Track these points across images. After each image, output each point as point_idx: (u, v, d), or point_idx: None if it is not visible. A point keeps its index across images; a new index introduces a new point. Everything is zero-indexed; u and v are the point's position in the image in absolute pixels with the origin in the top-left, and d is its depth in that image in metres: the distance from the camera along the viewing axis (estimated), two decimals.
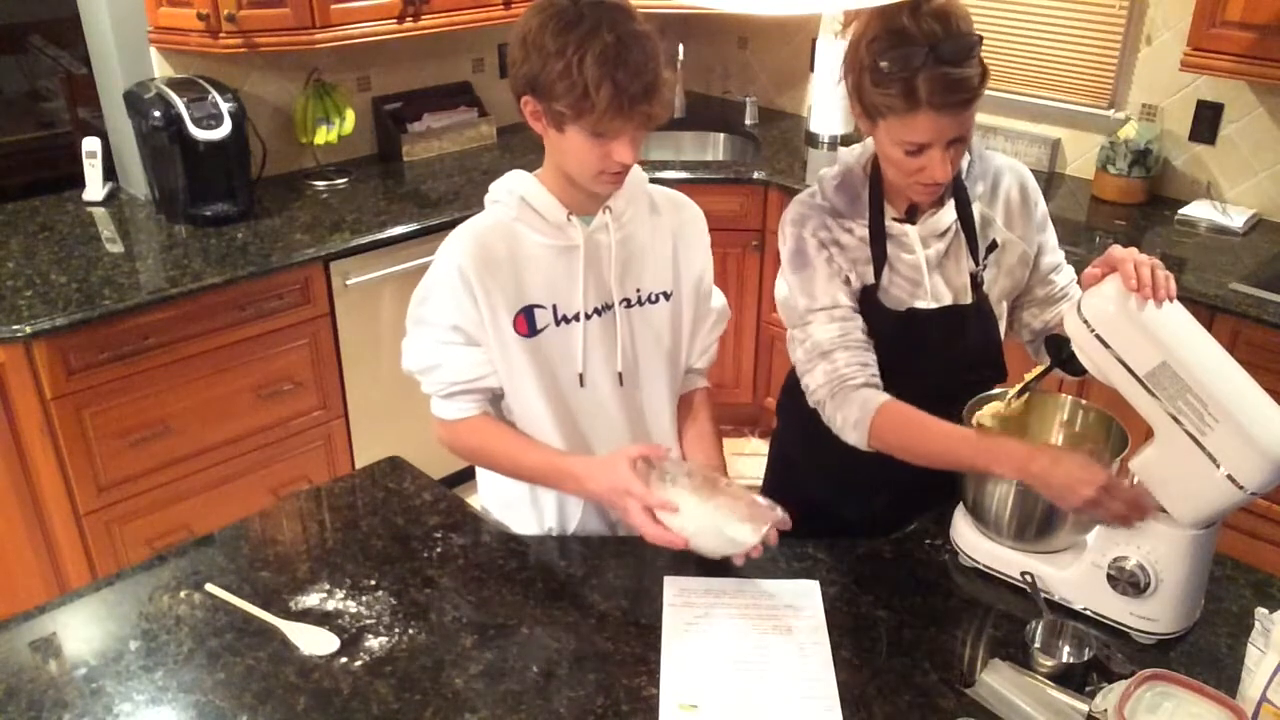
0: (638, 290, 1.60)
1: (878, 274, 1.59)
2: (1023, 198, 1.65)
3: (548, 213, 1.53)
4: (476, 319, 1.52)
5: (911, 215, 1.58)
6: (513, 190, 1.55)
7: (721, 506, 1.41)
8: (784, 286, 1.64)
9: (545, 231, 1.54)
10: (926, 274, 1.59)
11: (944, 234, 1.59)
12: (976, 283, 1.61)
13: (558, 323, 1.55)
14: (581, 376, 1.58)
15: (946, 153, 1.44)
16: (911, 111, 1.40)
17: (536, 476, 1.59)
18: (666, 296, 1.62)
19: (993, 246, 1.61)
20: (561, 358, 1.57)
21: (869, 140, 1.57)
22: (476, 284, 1.50)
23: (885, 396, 1.52)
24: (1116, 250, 1.34)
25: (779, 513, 1.42)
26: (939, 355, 1.63)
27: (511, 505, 1.68)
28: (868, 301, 1.60)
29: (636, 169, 1.56)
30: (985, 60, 1.45)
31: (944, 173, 1.45)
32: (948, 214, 1.59)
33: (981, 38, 1.42)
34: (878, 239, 1.58)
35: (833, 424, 1.56)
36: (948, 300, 1.61)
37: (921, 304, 1.60)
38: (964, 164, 1.59)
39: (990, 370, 1.70)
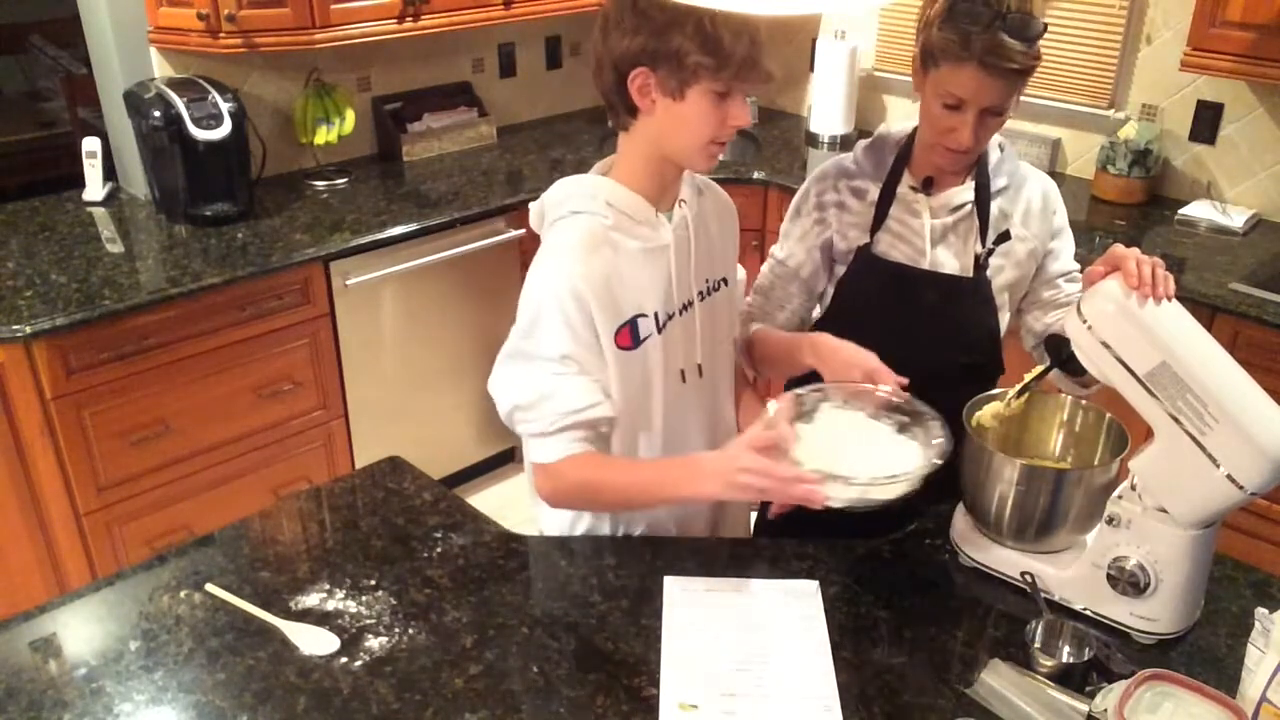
0: (707, 280, 1.58)
1: (875, 231, 1.66)
2: (1044, 204, 1.72)
3: (638, 213, 1.47)
4: (591, 343, 1.44)
5: (926, 187, 1.66)
6: (596, 196, 1.46)
7: (860, 438, 1.39)
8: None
9: (639, 235, 1.47)
10: (929, 242, 1.65)
11: (956, 210, 1.66)
12: (980, 264, 1.63)
13: (660, 328, 1.50)
14: (683, 373, 1.55)
15: (978, 120, 1.52)
16: (961, 62, 1.48)
17: (651, 493, 1.50)
18: (726, 283, 1.62)
19: (1005, 237, 1.65)
20: (662, 361, 1.52)
21: (908, 124, 1.70)
22: (594, 304, 1.42)
23: (760, 327, 1.75)
24: (1118, 249, 1.36)
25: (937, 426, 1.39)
26: (931, 324, 1.66)
27: (580, 519, 1.62)
28: (864, 257, 1.68)
29: None
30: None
31: (969, 139, 1.53)
32: (964, 192, 1.65)
33: (1047, 25, 1.49)
34: (886, 199, 1.66)
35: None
36: (948, 273, 1.67)
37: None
38: (993, 157, 1.65)
39: (985, 358, 1.72)
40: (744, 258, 1.70)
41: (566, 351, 1.43)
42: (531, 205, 1.53)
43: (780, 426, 1.41)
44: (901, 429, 1.43)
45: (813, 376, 1.57)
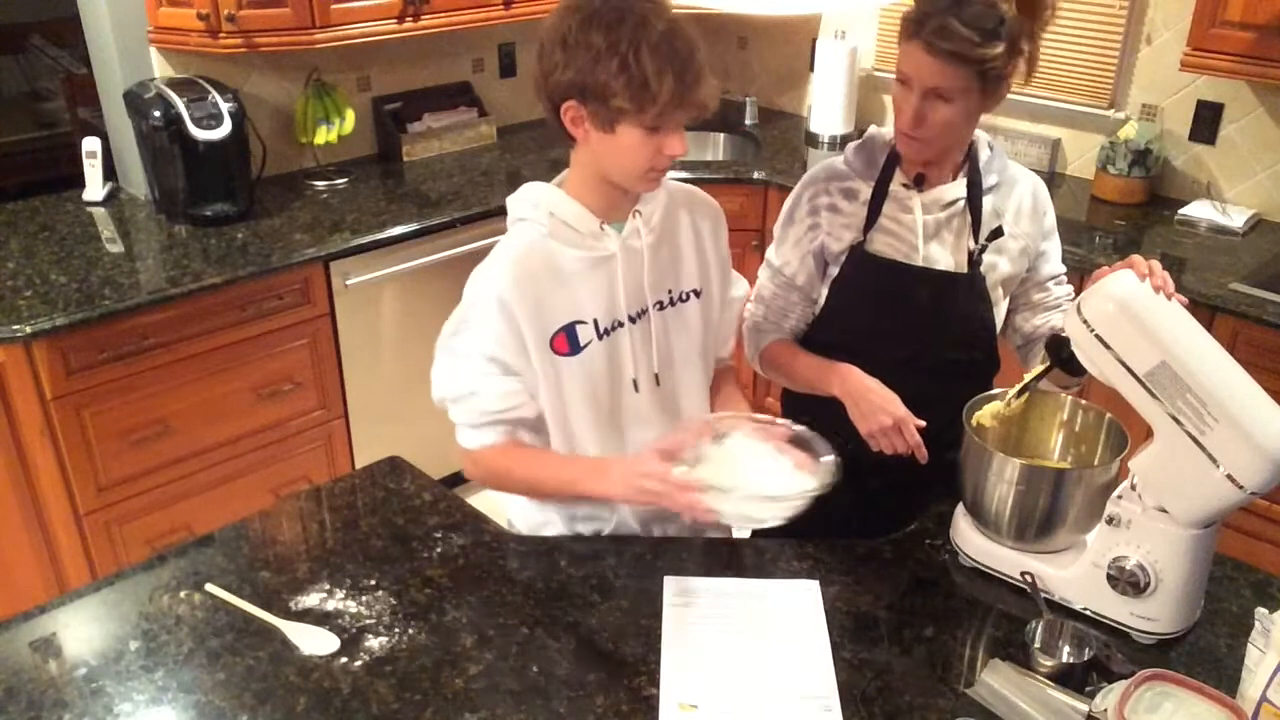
0: (669, 291, 1.59)
1: (869, 229, 1.67)
2: (1034, 204, 1.73)
3: (580, 224, 1.50)
4: (516, 347, 1.48)
5: (918, 184, 1.67)
6: (538, 205, 1.51)
7: (759, 465, 1.42)
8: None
9: (580, 244, 1.50)
10: (921, 238, 1.66)
11: (948, 206, 1.67)
12: (974, 260, 1.64)
13: (600, 336, 1.53)
14: (636, 382, 1.57)
15: (921, 99, 1.54)
16: (910, 38, 1.52)
17: (560, 487, 1.56)
18: (697, 294, 1.62)
19: (997, 233, 1.66)
20: (607, 368, 1.55)
21: None
22: (519, 311, 1.46)
23: (775, 337, 1.80)
24: (1134, 257, 1.38)
25: (827, 457, 1.43)
26: (926, 321, 1.66)
27: (550, 523, 1.67)
28: (857, 256, 1.69)
29: None
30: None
31: (909, 120, 1.56)
32: (955, 189, 1.66)
33: (1004, 20, 1.49)
34: (878, 197, 1.67)
35: (749, 357, 1.86)
36: (941, 269, 1.68)
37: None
38: (983, 155, 1.65)
39: (980, 353, 1.73)
40: (744, 258, 1.72)
41: (490, 353, 1.49)
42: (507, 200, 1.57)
43: (681, 435, 1.47)
44: (799, 464, 1.45)
45: (835, 402, 1.63)
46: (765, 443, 1.48)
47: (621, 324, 1.54)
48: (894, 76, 1.58)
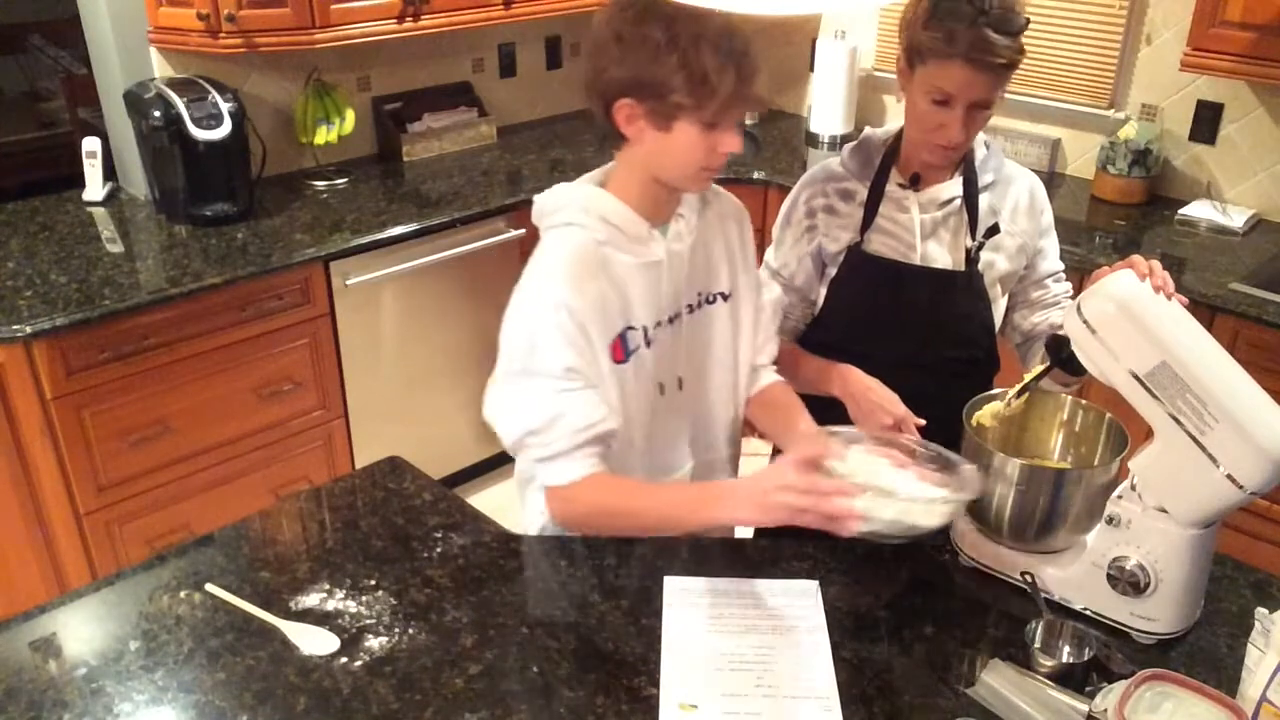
0: (699, 294, 1.57)
1: (865, 229, 1.67)
2: (1032, 202, 1.75)
3: (630, 229, 1.45)
4: (591, 358, 1.42)
5: (914, 183, 1.67)
6: (589, 209, 1.45)
7: (901, 481, 1.35)
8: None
9: (631, 250, 1.46)
10: (919, 237, 1.66)
11: (944, 205, 1.67)
12: (971, 258, 1.64)
13: (647, 342, 1.50)
14: (662, 386, 1.55)
15: (966, 114, 1.54)
16: (949, 58, 1.49)
17: (675, 519, 1.46)
18: (724, 297, 1.60)
19: (994, 230, 1.67)
20: (649, 374, 1.52)
21: (893, 125, 1.71)
22: (586, 316, 1.40)
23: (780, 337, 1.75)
24: (1135, 257, 1.38)
25: (968, 471, 1.36)
26: (925, 319, 1.67)
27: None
28: (855, 256, 1.69)
29: None
30: None
31: (959, 134, 1.55)
32: (951, 187, 1.67)
33: (1029, 20, 1.51)
34: (875, 198, 1.67)
35: None
36: (939, 267, 1.69)
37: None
38: (979, 154, 1.66)
39: (979, 351, 1.74)
40: None
41: (570, 364, 1.40)
42: (535, 198, 1.52)
43: (823, 444, 1.36)
44: (922, 477, 1.39)
45: (834, 402, 1.62)
46: (886, 457, 1.41)
47: (660, 326, 1.52)
48: (931, 98, 1.54)
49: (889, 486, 1.30)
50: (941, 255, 1.67)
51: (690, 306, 1.56)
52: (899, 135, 1.69)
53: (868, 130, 1.74)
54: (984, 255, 1.67)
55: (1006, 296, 1.77)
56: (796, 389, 1.76)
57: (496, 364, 1.46)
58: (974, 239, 1.66)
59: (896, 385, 1.59)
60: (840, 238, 1.69)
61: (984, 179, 1.68)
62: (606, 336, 1.45)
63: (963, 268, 1.67)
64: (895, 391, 1.59)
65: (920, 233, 1.66)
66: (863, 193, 1.68)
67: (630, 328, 1.48)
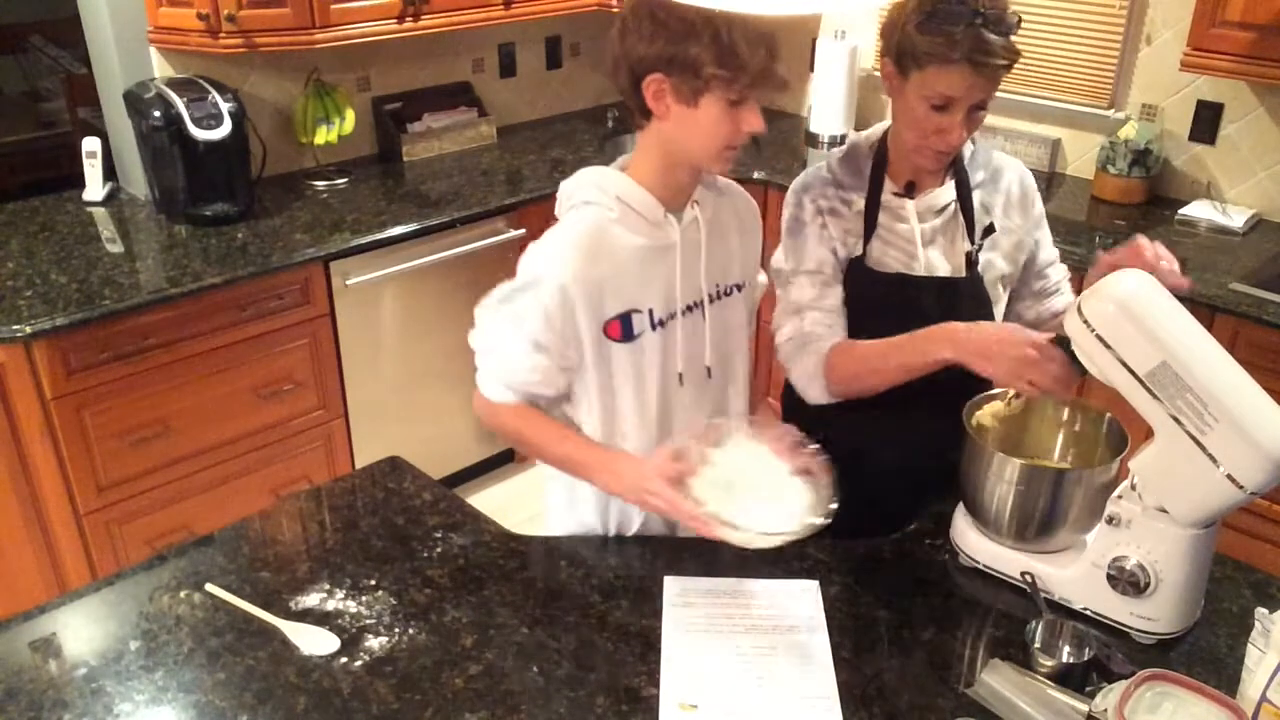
0: (717, 285, 1.59)
1: (866, 242, 1.65)
2: (1023, 193, 1.73)
3: (646, 212, 1.49)
4: (566, 334, 1.48)
5: (909, 191, 1.65)
6: (606, 190, 1.49)
7: (761, 471, 1.42)
8: (779, 251, 1.72)
9: (644, 232, 1.49)
10: (920, 246, 1.65)
11: (941, 211, 1.66)
12: (971, 261, 1.64)
13: (654, 326, 1.52)
14: (681, 375, 1.57)
15: (967, 117, 1.52)
16: (950, 63, 1.48)
17: (568, 466, 1.57)
18: (739, 288, 1.62)
19: (990, 230, 1.66)
20: (659, 359, 1.54)
21: (878, 125, 1.68)
22: (578, 297, 1.45)
23: (832, 341, 1.63)
24: (1139, 237, 1.39)
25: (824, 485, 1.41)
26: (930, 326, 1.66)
27: (575, 504, 1.66)
28: (857, 270, 1.66)
29: None
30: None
31: (959, 137, 1.53)
32: (946, 192, 1.65)
33: (1021, 19, 1.50)
34: (872, 209, 1.65)
35: (796, 381, 1.68)
36: (942, 275, 1.66)
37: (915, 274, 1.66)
38: (967, 152, 1.65)
39: None
40: None
41: (531, 334, 1.47)
42: (562, 184, 1.55)
43: (688, 458, 1.44)
44: (798, 471, 1.44)
45: (946, 374, 1.51)
46: (763, 445, 1.48)
47: (674, 315, 1.54)
48: (930, 102, 1.52)
49: (731, 519, 1.36)
50: (942, 262, 1.66)
51: (711, 296, 1.57)
52: (884, 140, 1.66)
53: (853, 136, 1.73)
54: (983, 257, 1.67)
55: (1007, 296, 1.76)
56: (881, 386, 1.60)
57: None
58: (972, 242, 1.65)
59: (903, 394, 1.57)
60: (848, 243, 1.66)
61: (976, 177, 1.67)
62: (603, 315, 1.48)
63: (963, 272, 1.66)
64: (896, 394, 1.57)
65: (920, 241, 1.65)
66: (858, 202, 1.66)
67: (636, 310, 1.50)
